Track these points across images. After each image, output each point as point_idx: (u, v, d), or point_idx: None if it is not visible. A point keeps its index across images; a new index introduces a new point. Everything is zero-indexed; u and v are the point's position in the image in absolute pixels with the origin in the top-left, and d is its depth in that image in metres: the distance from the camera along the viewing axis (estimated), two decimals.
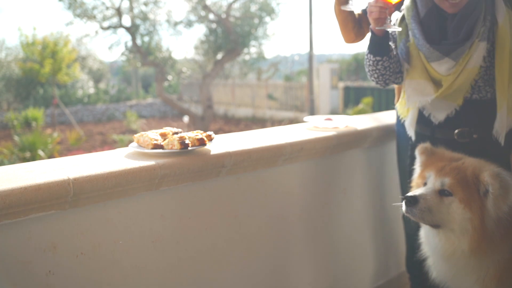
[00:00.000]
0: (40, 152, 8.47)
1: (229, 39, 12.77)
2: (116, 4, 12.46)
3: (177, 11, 43.38)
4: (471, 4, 1.95)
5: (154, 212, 1.73)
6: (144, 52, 12.57)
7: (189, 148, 1.76)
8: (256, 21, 13.12)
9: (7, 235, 1.40)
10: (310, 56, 15.59)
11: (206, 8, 12.73)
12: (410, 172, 2.09)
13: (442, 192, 1.71)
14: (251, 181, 2.04)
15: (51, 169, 1.55)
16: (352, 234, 2.61)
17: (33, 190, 1.38)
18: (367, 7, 1.94)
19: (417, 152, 1.94)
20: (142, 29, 12.75)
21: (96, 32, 13.01)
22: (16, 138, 9.65)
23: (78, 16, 12.25)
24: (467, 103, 2.03)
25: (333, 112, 15.70)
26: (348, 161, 2.52)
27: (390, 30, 1.91)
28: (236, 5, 13.32)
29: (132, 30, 12.55)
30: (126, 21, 12.91)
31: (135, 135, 1.85)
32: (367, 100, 13.51)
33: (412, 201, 1.70)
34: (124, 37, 20.92)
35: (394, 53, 2.09)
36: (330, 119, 2.49)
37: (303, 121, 2.63)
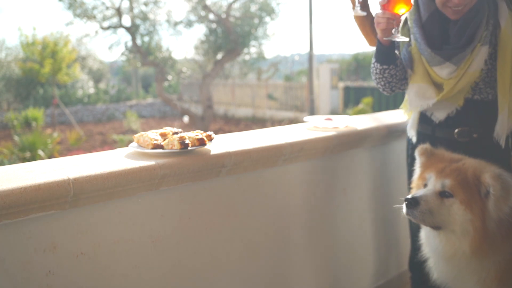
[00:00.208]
0: (40, 152, 8.47)
1: (229, 39, 12.77)
2: (116, 4, 12.47)
3: (177, 11, 43.42)
4: (474, 9, 1.95)
5: (154, 212, 1.73)
6: (144, 52, 12.57)
7: (189, 148, 1.76)
8: (256, 21, 13.12)
9: (7, 235, 1.40)
10: (310, 56, 15.59)
11: (206, 8, 12.73)
12: (410, 172, 2.09)
13: (442, 194, 1.70)
14: (251, 181, 2.04)
15: (51, 169, 1.55)
16: (352, 234, 2.61)
17: (33, 190, 1.38)
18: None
19: (416, 153, 1.94)
20: (142, 29, 12.76)
21: (96, 32, 13.02)
22: (16, 138, 9.65)
23: (78, 16, 12.25)
24: (468, 103, 2.03)
25: (333, 112, 15.70)
26: (348, 161, 2.52)
27: (397, 40, 1.92)
28: (236, 5, 13.33)
29: (132, 30, 12.55)
30: (126, 21, 12.93)
31: (135, 135, 1.85)
32: (367, 100, 13.50)
33: (413, 203, 1.70)
34: (124, 37, 20.96)
35: (400, 61, 2.11)
36: (330, 119, 2.49)
37: (303, 121, 2.63)
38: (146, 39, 12.86)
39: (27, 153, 8.39)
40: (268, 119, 17.22)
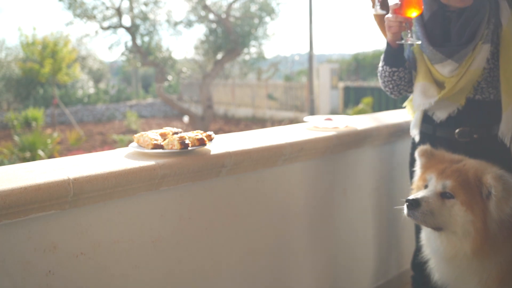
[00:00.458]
0: (40, 152, 8.47)
1: (229, 39, 12.77)
2: (116, 4, 12.46)
3: (177, 11, 43.38)
4: (475, 8, 1.96)
5: (154, 212, 1.73)
6: (144, 52, 12.57)
7: (189, 148, 1.76)
8: (256, 21, 13.11)
9: (7, 235, 1.40)
10: (310, 56, 15.59)
11: (206, 8, 12.73)
12: (412, 173, 2.09)
13: (443, 195, 1.70)
14: (251, 181, 2.04)
15: (51, 169, 1.55)
16: (352, 234, 2.61)
17: (33, 190, 1.38)
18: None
19: (416, 154, 1.94)
20: (142, 29, 12.75)
21: (96, 32, 13.00)
22: (16, 138, 9.65)
23: (78, 16, 12.24)
24: (469, 103, 2.03)
25: (333, 112, 15.70)
26: (348, 161, 2.52)
27: (410, 42, 1.92)
28: (236, 5, 13.32)
29: (132, 30, 12.54)
30: (126, 21, 12.91)
31: (135, 135, 1.85)
32: (367, 100, 13.50)
33: (414, 204, 1.70)
34: (124, 37, 20.91)
35: (408, 63, 2.12)
36: (330, 119, 2.49)
37: (303, 121, 2.63)
38: (146, 39, 12.85)
39: (27, 153, 8.39)
40: (268, 119, 17.22)
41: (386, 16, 1.94)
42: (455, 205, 1.67)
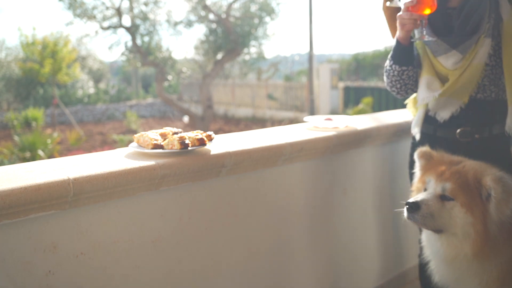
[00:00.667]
0: (40, 152, 8.47)
1: (229, 39, 12.77)
2: (116, 4, 12.47)
3: (177, 11, 43.39)
4: (476, 3, 1.96)
5: (154, 212, 1.73)
6: (144, 52, 12.57)
7: (189, 148, 1.76)
8: (256, 21, 13.11)
9: (7, 235, 1.40)
10: (310, 56, 15.59)
11: (206, 8, 12.73)
12: (411, 173, 2.08)
13: (443, 197, 1.70)
14: (251, 181, 2.04)
15: (51, 169, 1.55)
16: (352, 234, 2.61)
17: (33, 190, 1.38)
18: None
19: (416, 156, 1.93)
20: (142, 29, 12.75)
21: (96, 32, 13.00)
22: (16, 138, 9.65)
23: (78, 16, 12.24)
24: (470, 102, 2.03)
25: (333, 112, 15.70)
26: (348, 161, 2.52)
27: (425, 40, 1.91)
28: (236, 5, 13.32)
29: (132, 30, 12.54)
30: (126, 21, 12.92)
31: (135, 135, 1.85)
32: (367, 100, 13.51)
33: (414, 207, 1.70)
34: (124, 37, 20.95)
35: (416, 62, 2.10)
36: (330, 119, 2.49)
37: (303, 121, 2.63)
38: (146, 39, 12.85)
39: (27, 153, 8.39)
40: (268, 119, 17.22)
41: (399, 14, 1.92)
42: (455, 207, 1.67)
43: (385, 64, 2.16)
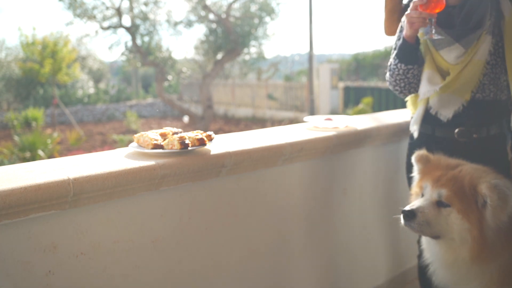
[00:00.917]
0: (40, 152, 8.47)
1: (229, 39, 12.77)
2: (116, 4, 12.47)
3: (177, 11, 43.38)
4: (476, 0, 1.96)
5: (154, 212, 1.73)
6: (144, 52, 12.57)
7: (189, 148, 1.76)
8: (256, 21, 13.12)
9: (7, 235, 1.40)
10: (310, 56, 15.59)
11: (206, 8, 12.73)
12: (409, 179, 2.08)
13: (439, 203, 1.70)
14: (251, 181, 2.04)
15: (51, 169, 1.55)
16: (352, 233, 2.61)
17: (33, 190, 1.38)
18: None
19: (413, 160, 1.93)
20: (142, 29, 12.75)
21: (96, 32, 13.01)
22: (16, 138, 9.65)
23: (78, 16, 12.25)
24: (469, 102, 2.02)
25: (333, 112, 15.70)
26: (348, 161, 2.52)
27: (435, 38, 1.91)
28: (236, 5, 13.33)
29: (132, 30, 12.55)
30: (126, 21, 12.93)
31: (135, 135, 1.85)
32: (367, 100, 13.50)
33: (410, 216, 1.70)
34: (124, 37, 20.92)
35: (421, 61, 2.09)
36: (330, 119, 2.49)
37: (303, 121, 2.63)
38: (146, 39, 12.86)
39: (27, 153, 8.39)
40: (268, 119, 17.22)
41: (407, 12, 1.91)
42: (452, 214, 1.66)
43: (389, 63, 2.14)
